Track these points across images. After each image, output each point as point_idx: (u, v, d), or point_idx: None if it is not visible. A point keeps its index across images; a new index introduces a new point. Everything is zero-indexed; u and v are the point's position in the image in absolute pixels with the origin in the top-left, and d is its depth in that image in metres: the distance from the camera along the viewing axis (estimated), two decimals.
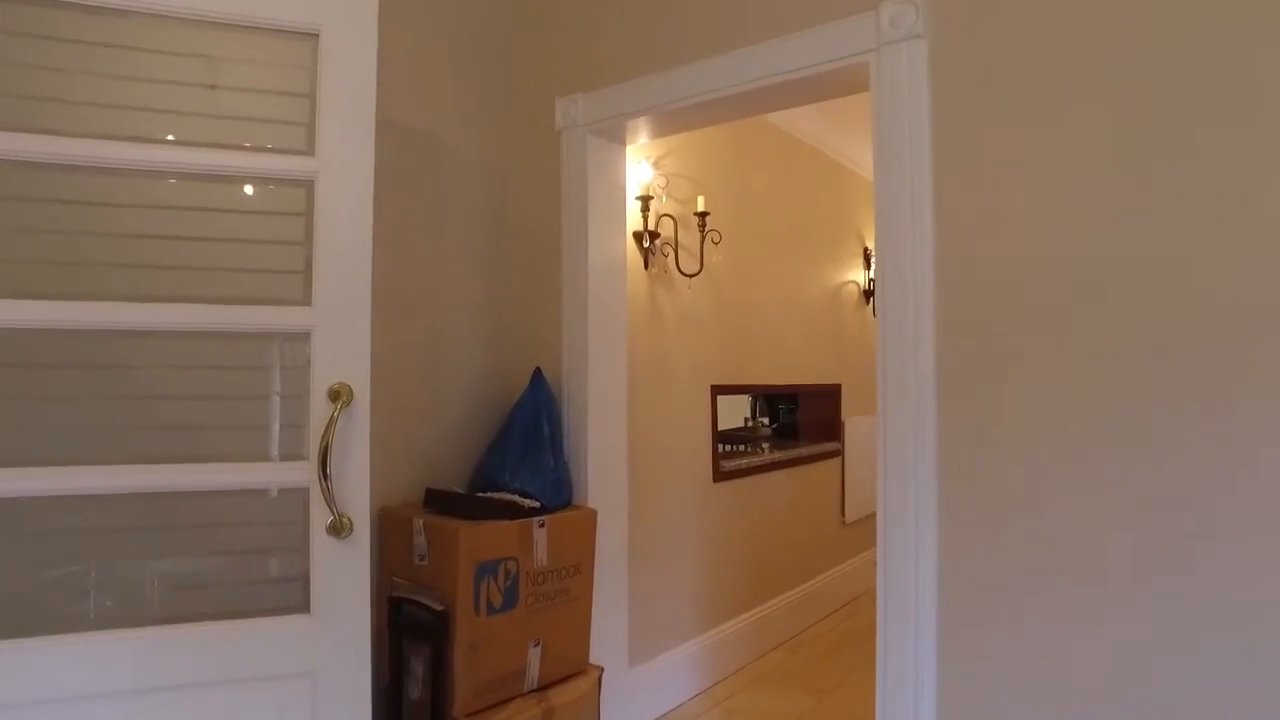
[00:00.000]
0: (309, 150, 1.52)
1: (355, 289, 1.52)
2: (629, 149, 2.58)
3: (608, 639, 2.38)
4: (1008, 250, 1.67)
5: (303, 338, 1.48)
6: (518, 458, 2.24)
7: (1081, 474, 1.57)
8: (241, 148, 1.49)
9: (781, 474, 3.89)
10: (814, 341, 4.24)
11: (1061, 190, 1.61)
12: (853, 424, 4.60)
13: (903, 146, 1.80)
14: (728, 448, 3.85)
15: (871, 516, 4.88)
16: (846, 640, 3.83)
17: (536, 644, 2.09)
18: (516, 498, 2.15)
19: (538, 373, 2.34)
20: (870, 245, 4.87)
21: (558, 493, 2.24)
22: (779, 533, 3.86)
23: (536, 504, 2.15)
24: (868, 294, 4.84)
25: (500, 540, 2.00)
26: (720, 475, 3.39)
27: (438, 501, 2.13)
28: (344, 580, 1.48)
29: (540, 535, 2.08)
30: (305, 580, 1.46)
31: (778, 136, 3.93)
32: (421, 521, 2.01)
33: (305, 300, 1.50)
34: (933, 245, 1.77)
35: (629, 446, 2.57)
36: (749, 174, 3.64)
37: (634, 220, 2.84)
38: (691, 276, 3.06)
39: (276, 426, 1.51)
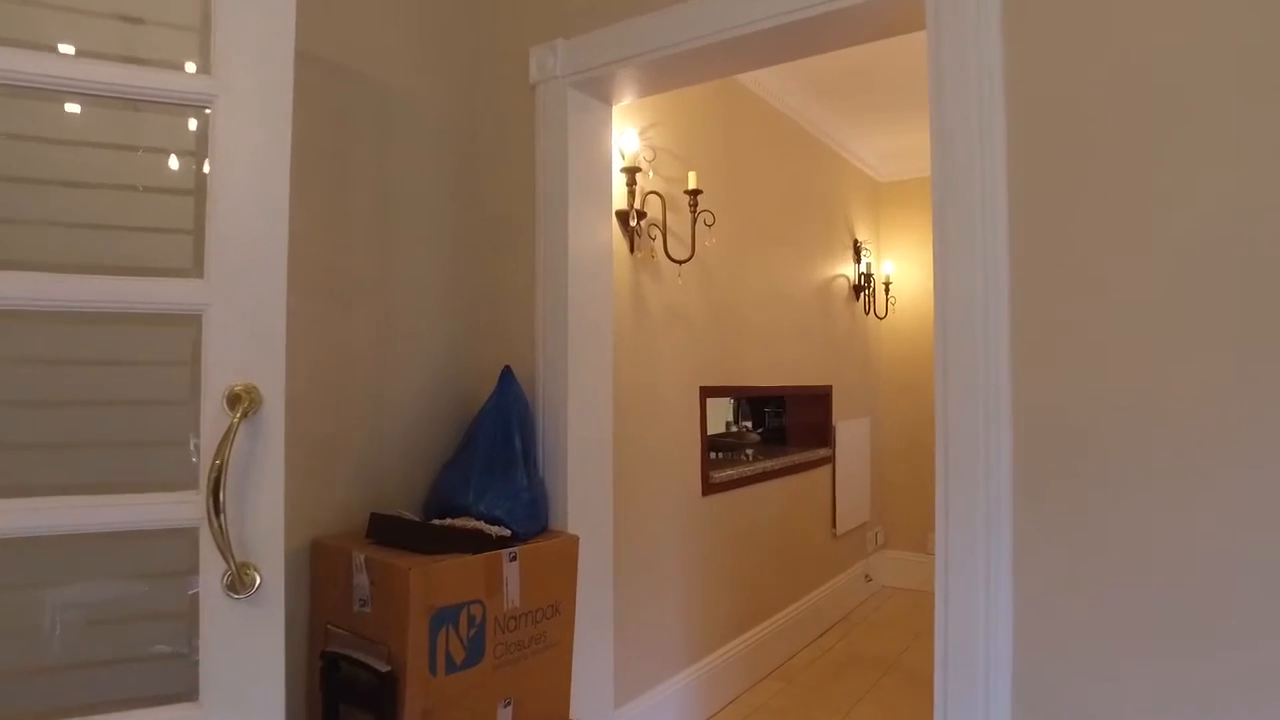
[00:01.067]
0: (203, 66, 1.12)
1: (266, 257, 1.12)
2: (614, 111, 2.20)
3: (591, 683, 2.00)
4: (1102, 238, 1.33)
5: (190, 321, 1.08)
6: (484, 475, 1.85)
7: (1201, 508, 1.24)
8: (102, 55, 1.08)
9: (773, 484, 3.54)
10: (805, 340, 3.90)
11: (1183, 164, 1.27)
12: (844, 428, 4.27)
13: (968, 106, 1.44)
14: (716, 455, 3.50)
15: (861, 528, 4.59)
16: (844, 667, 3.49)
17: (507, 704, 1.70)
18: (482, 525, 1.76)
19: (507, 373, 1.95)
20: (860, 238, 4.56)
21: (532, 517, 1.85)
22: (770, 549, 3.51)
23: (507, 532, 1.76)
24: (858, 289, 4.53)
25: (462, 579, 1.61)
26: (710, 487, 3.03)
27: (385, 530, 1.73)
28: (247, 654, 1.08)
29: (512, 571, 1.69)
30: (193, 656, 1.06)
31: (768, 114, 3.59)
32: (364, 557, 1.61)
33: (195, 271, 1.09)
34: (1006, 229, 1.42)
35: (614, 458, 2.20)
36: (737, 152, 3.28)
37: (618, 198, 2.47)
38: (682, 263, 2.70)
39: (163, 444, 1.11)
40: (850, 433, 4.36)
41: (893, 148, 4.54)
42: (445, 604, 1.56)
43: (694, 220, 2.68)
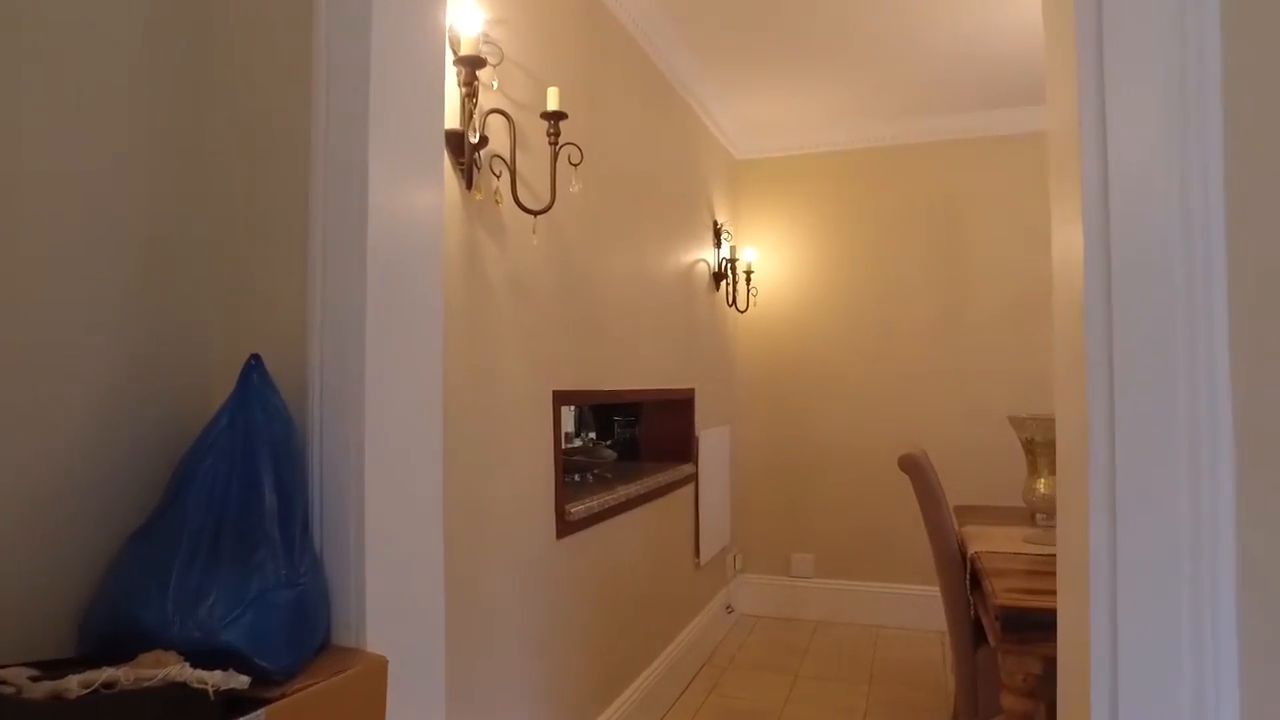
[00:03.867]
0: None
1: None
2: None
3: None
4: None
5: None
6: (198, 561, 0.97)
7: None
8: None
9: (636, 514, 2.84)
10: (666, 334, 3.24)
11: None
12: (706, 439, 3.66)
13: None
14: (568, 479, 2.74)
15: (721, 553, 3.98)
16: None
17: None
18: (184, 668, 0.88)
19: (253, 369, 1.07)
20: (720, 219, 3.98)
21: (296, 634, 0.99)
22: (632, 597, 2.80)
23: (243, 679, 0.90)
24: (718, 278, 3.93)
25: None
26: (566, 526, 2.26)
27: None
28: None
29: None
30: None
31: (632, 53, 2.89)
32: None
33: None
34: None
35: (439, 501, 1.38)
36: (601, 90, 2.55)
37: (449, 110, 1.65)
38: (537, 214, 1.91)
39: None
40: (712, 444, 3.75)
41: (755, 118, 4.00)
42: None
43: (554, 157, 1.90)
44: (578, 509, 2.30)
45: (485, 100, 1.80)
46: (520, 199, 1.85)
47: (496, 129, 1.84)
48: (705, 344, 3.77)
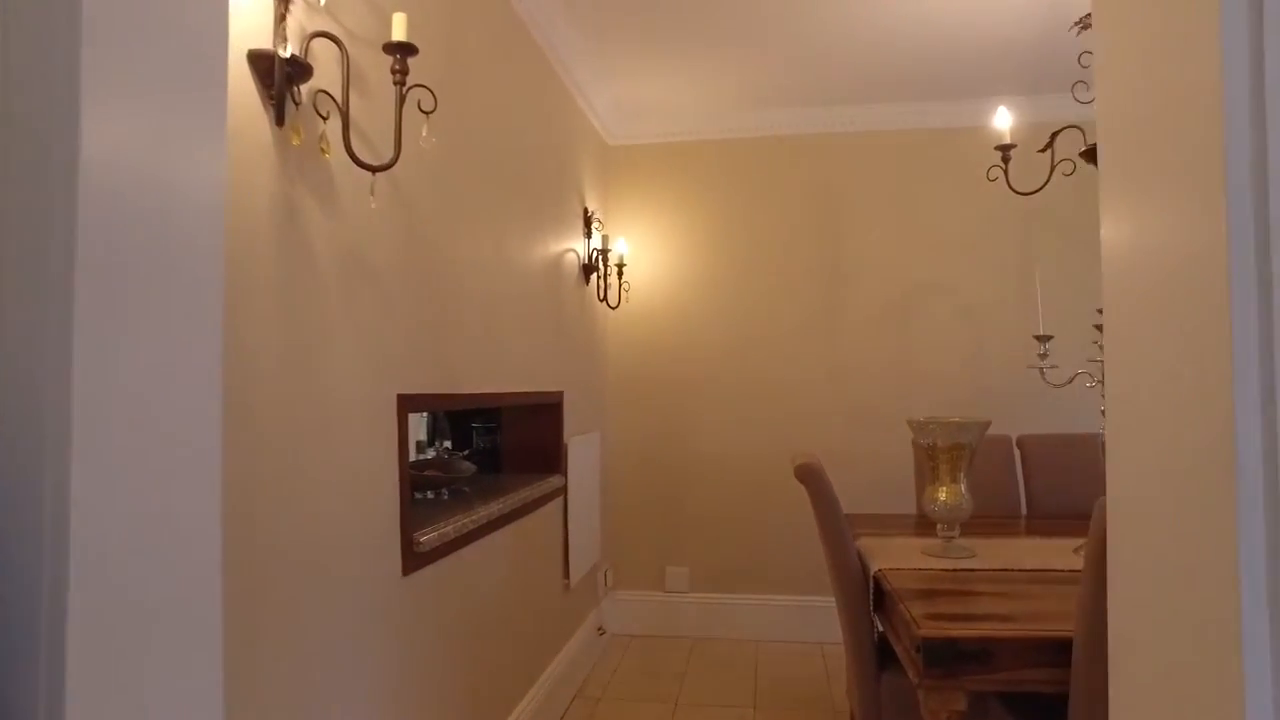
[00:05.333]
0: None
1: None
2: None
3: None
4: None
5: None
6: None
7: None
8: None
9: (500, 536, 2.46)
10: (533, 330, 2.88)
11: None
12: (576, 447, 3.32)
13: None
14: (417, 497, 2.33)
15: (592, 571, 3.65)
16: None
17: None
18: None
19: None
20: (591, 206, 3.66)
21: None
22: (497, 631, 2.42)
23: None
24: (588, 270, 3.61)
25: None
26: (416, 559, 1.86)
27: None
28: None
29: None
30: None
31: (506, 17, 2.51)
32: None
33: None
34: None
35: (224, 545, 0.98)
36: (464, 44, 2.17)
37: (253, 25, 1.24)
38: (377, 170, 1.51)
39: None
40: (582, 452, 3.42)
41: (632, 100, 3.71)
42: None
43: (400, 100, 1.50)
44: (430, 537, 1.90)
45: (308, 20, 1.39)
46: (355, 151, 1.44)
47: (325, 60, 1.43)
48: (575, 342, 3.44)
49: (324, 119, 1.41)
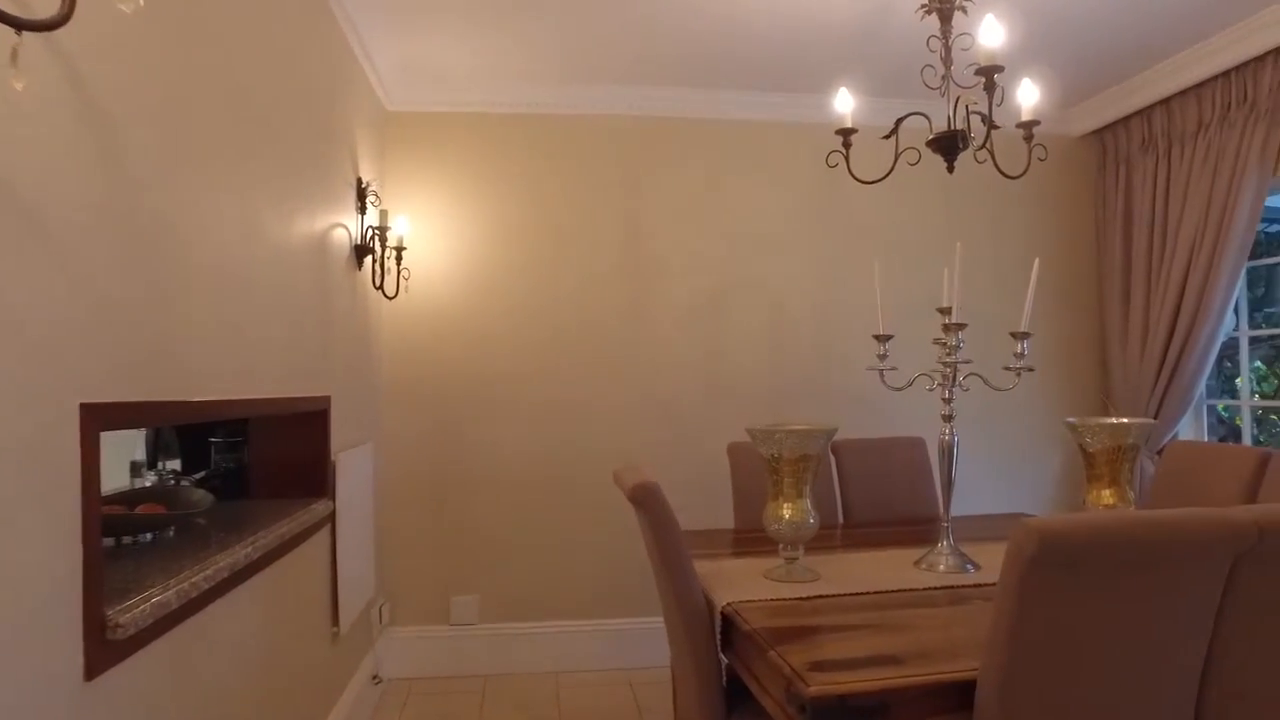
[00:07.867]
0: None
1: None
2: None
3: None
4: None
5: None
6: None
7: None
8: None
9: (248, 589, 1.86)
10: (290, 320, 2.28)
11: None
12: (345, 463, 2.74)
13: None
14: (115, 544, 1.68)
15: (366, 609, 3.02)
16: None
17: None
18: None
19: None
20: (367, 179, 3.07)
21: None
22: (250, 705, 1.82)
23: None
24: (361, 251, 3.02)
25: None
26: (110, 651, 1.26)
27: None
28: None
29: None
30: None
31: None
32: None
33: None
34: None
35: None
36: None
37: None
38: (25, 27, 0.93)
39: None
40: (353, 469, 2.84)
41: (416, 58, 3.17)
42: None
43: None
44: (134, 614, 1.30)
45: None
46: None
47: None
48: (345, 337, 2.85)
49: None
